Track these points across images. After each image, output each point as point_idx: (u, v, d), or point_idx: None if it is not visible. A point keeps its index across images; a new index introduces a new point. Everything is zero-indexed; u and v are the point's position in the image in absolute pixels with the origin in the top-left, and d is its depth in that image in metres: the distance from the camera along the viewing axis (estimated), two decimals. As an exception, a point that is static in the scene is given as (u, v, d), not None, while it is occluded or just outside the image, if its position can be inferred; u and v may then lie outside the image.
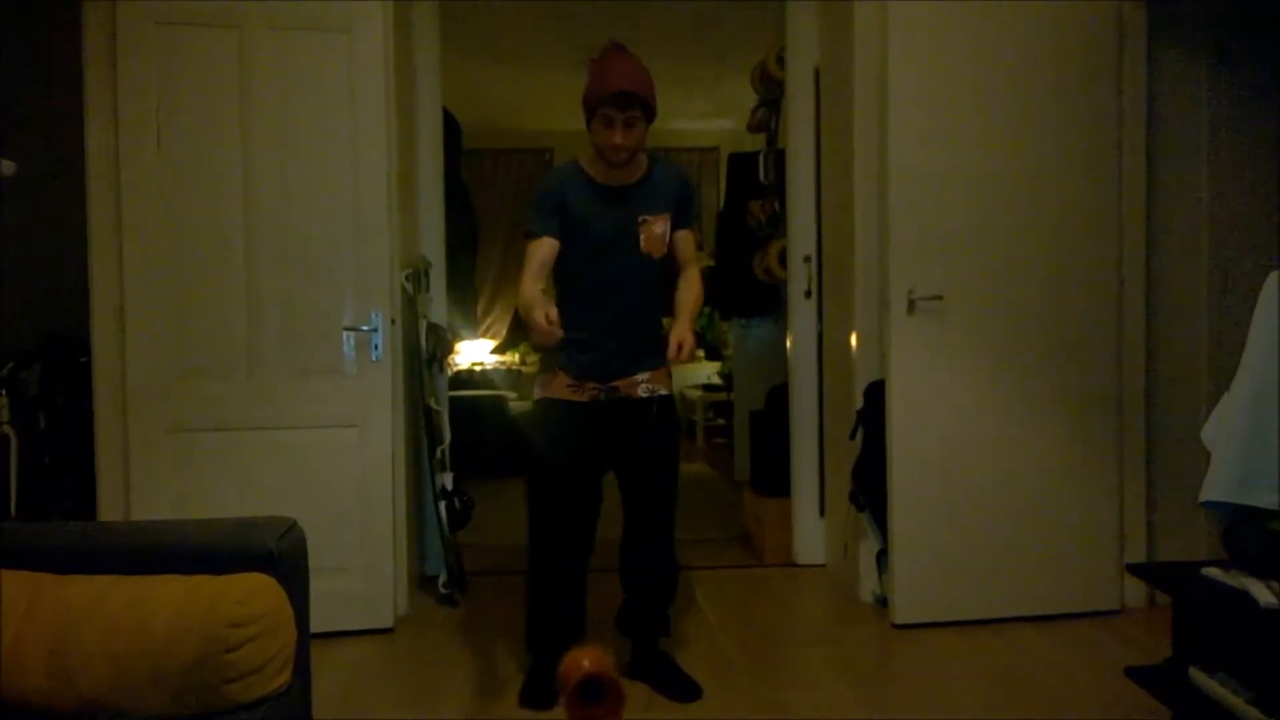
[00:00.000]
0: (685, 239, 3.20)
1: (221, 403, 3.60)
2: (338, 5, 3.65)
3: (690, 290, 3.16)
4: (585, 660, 2.82)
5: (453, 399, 4.71)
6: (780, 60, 4.80)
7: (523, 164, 9.24)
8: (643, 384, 3.11)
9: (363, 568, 3.69)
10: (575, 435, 3.08)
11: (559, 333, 2.75)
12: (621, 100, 2.89)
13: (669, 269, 3.20)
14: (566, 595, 3.19)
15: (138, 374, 3.55)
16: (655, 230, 3.09)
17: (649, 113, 2.97)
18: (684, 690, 3.11)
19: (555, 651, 3.20)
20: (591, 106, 2.95)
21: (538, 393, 3.18)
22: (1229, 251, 3.87)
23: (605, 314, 3.07)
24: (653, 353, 3.09)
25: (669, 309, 3.18)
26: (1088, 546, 3.75)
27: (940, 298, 3.63)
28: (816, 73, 4.48)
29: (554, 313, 2.76)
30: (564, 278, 3.13)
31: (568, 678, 2.83)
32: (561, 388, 3.10)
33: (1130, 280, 3.81)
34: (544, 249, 3.02)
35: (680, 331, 2.96)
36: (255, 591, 1.82)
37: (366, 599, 3.70)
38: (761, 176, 5.27)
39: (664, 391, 3.15)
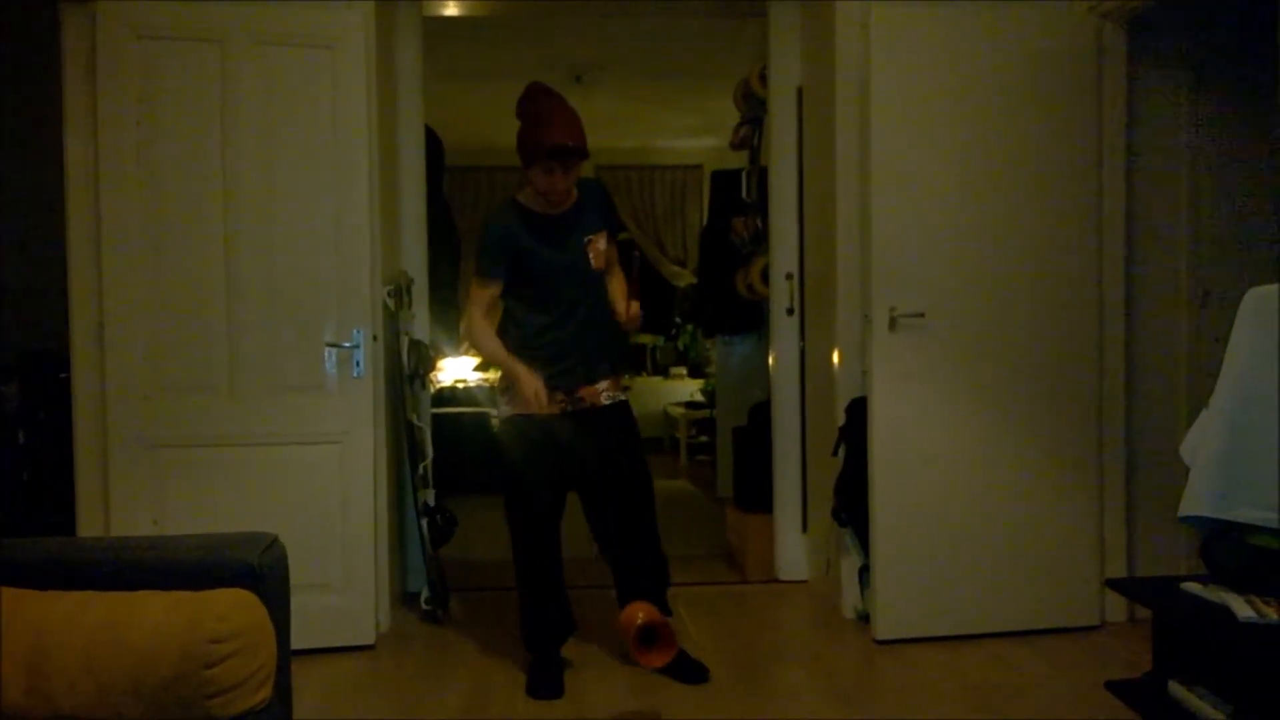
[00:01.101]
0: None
1: (202, 418, 3.58)
2: (321, 21, 3.66)
3: (616, 281, 3.43)
4: (640, 613, 3.04)
5: (435, 415, 4.71)
6: (763, 78, 4.83)
7: (505, 182, 9.23)
8: (604, 391, 3.32)
9: (344, 584, 3.67)
10: (552, 446, 3.28)
11: (545, 402, 3.12)
12: (562, 153, 3.10)
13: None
14: (555, 595, 3.41)
15: (117, 389, 3.52)
16: (599, 246, 3.34)
17: (584, 154, 3.18)
18: (691, 673, 3.28)
19: (553, 647, 3.35)
20: (531, 156, 3.15)
21: (505, 410, 3.36)
22: (1208, 268, 3.92)
23: (567, 330, 3.28)
24: (607, 361, 3.32)
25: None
26: (1068, 561, 3.77)
27: (922, 315, 3.65)
28: (799, 91, 4.51)
29: (541, 385, 3.11)
30: (530, 303, 3.31)
31: (628, 627, 3.01)
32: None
33: (1110, 297, 3.84)
34: (492, 291, 3.29)
35: (622, 300, 3.31)
36: (236, 607, 1.80)
37: (348, 615, 3.67)
38: (744, 194, 5.29)
39: (622, 396, 3.37)
